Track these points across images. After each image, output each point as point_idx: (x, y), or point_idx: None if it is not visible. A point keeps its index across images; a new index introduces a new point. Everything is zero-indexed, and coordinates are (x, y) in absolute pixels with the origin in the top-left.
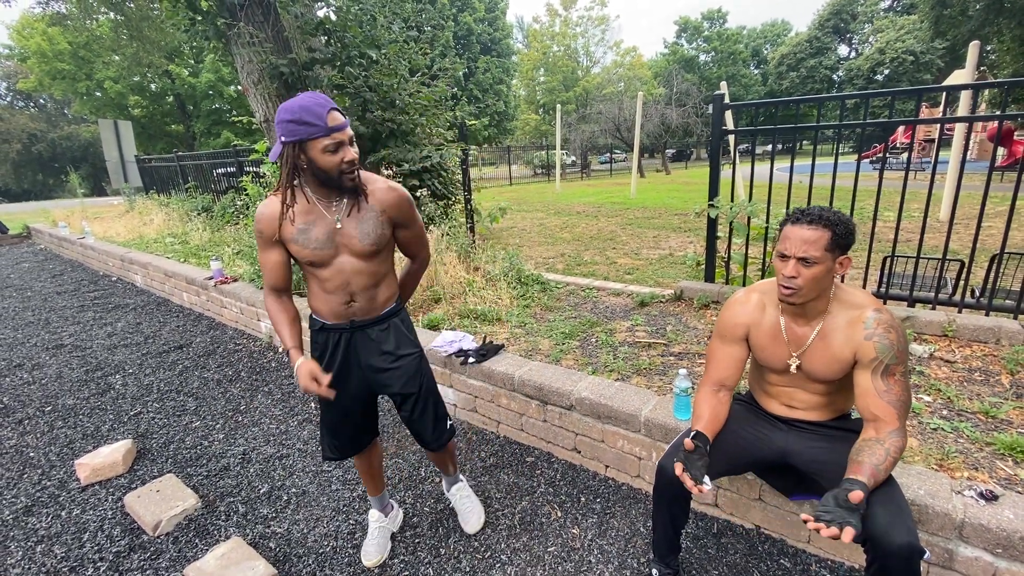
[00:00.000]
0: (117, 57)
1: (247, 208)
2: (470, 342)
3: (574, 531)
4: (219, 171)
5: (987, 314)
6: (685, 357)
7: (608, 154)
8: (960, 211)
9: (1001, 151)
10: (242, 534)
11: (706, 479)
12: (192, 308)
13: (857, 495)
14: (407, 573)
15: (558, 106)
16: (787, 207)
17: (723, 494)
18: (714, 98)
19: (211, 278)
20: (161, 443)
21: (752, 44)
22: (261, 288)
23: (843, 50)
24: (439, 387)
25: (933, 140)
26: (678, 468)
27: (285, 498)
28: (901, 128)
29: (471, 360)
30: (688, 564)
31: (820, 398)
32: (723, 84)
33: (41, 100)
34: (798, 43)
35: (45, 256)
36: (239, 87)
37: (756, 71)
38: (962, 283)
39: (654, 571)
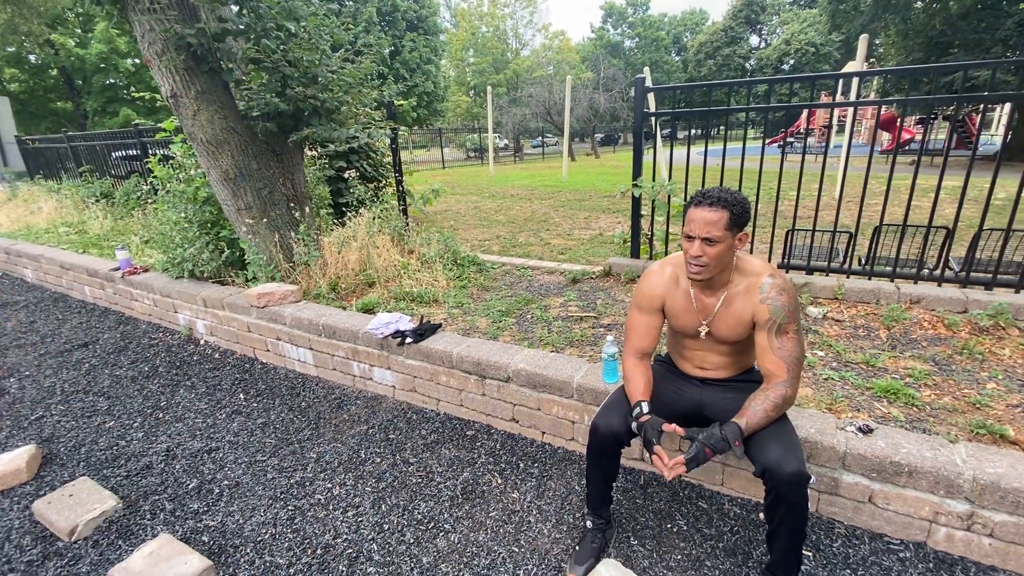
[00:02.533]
0: None
1: (155, 192)
2: (407, 323)
3: (514, 495)
4: (118, 154)
5: (869, 279)
6: (614, 328)
7: (540, 138)
8: (852, 189)
9: (887, 136)
10: (171, 531)
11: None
12: (96, 303)
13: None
14: (351, 550)
15: (488, 88)
16: (703, 186)
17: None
18: (636, 82)
19: (117, 269)
20: (71, 446)
21: (673, 31)
22: (176, 277)
23: (754, 40)
24: (376, 370)
25: (831, 126)
26: (656, 450)
27: (217, 491)
28: (804, 115)
29: (408, 340)
30: (618, 514)
31: (727, 358)
32: (646, 69)
33: None
34: (714, 32)
35: None
36: (138, 60)
37: (677, 58)
38: (850, 253)
39: (588, 523)
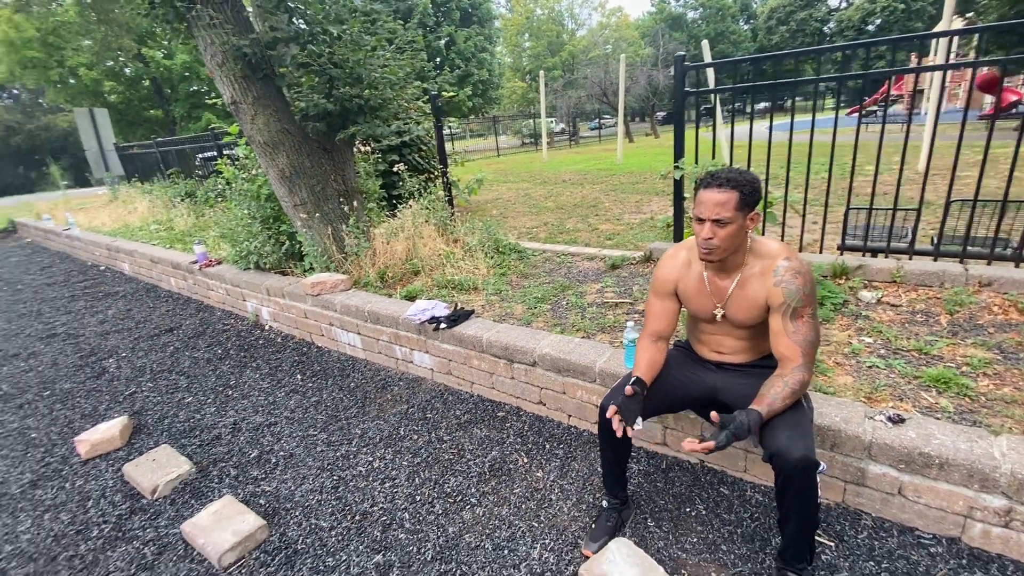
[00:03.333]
0: (87, 42)
1: (224, 192)
2: (442, 309)
3: (538, 474)
4: (202, 155)
5: (935, 259)
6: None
7: (597, 120)
8: (941, 161)
9: (990, 99)
10: (234, 494)
11: (639, 420)
12: (180, 292)
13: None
14: (386, 518)
15: (541, 73)
16: (767, 167)
17: (670, 433)
18: (676, 59)
19: (196, 262)
20: (156, 418)
21: None
22: (244, 269)
23: (833, 0)
24: (415, 353)
25: (921, 91)
26: (610, 411)
27: (273, 461)
28: (891, 80)
29: (442, 326)
30: (638, 496)
31: (744, 342)
32: (704, 43)
33: (14, 91)
34: None
35: (32, 249)
36: None
37: (746, 27)
38: (912, 232)
39: (604, 502)
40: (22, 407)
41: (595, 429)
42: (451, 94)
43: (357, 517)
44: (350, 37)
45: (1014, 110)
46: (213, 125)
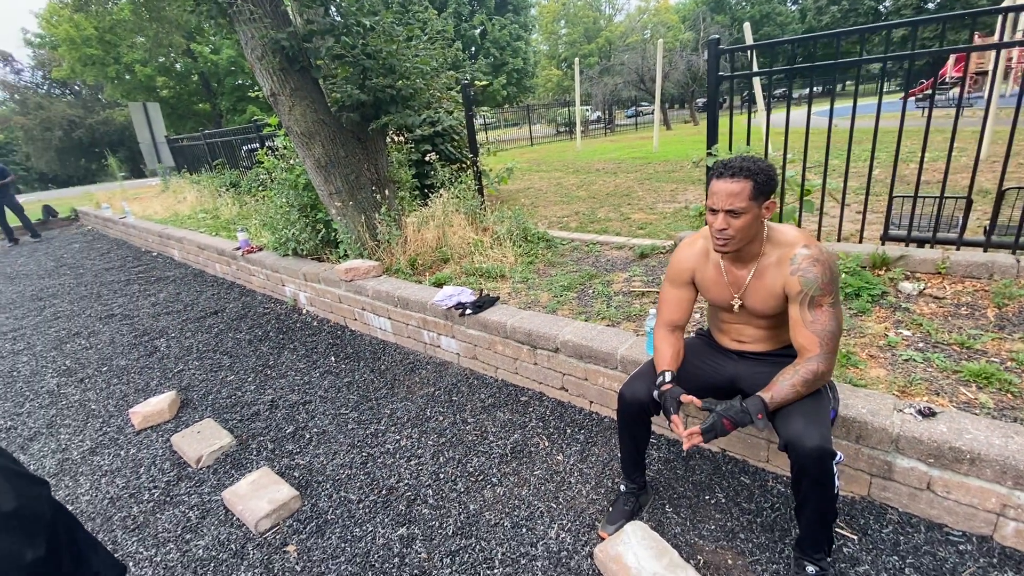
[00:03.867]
0: (141, 39)
1: (265, 181)
2: (468, 295)
3: (559, 458)
4: (247, 147)
5: (985, 250)
6: None
7: (634, 107)
8: (998, 148)
9: None
10: (270, 466)
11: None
12: (224, 277)
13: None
14: (410, 493)
15: (576, 60)
16: (804, 154)
17: (691, 423)
18: (709, 42)
19: (238, 248)
20: (201, 394)
21: None
22: (283, 255)
23: None
24: (443, 338)
25: (985, 72)
26: (676, 423)
27: (308, 437)
28: (951, 61)
29: (468, 312)
30: (658, 483)
31: (765, 332)
32: (746, 26)
33: (76, 87)
34: None
35: (93, 236)
36: None
37: (794, 7)
38: (963, 221)
39: (622, 487)
40: (83, 381)
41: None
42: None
43: (384, 492)
44: (383, 28)
45: None
46: (256, 117)
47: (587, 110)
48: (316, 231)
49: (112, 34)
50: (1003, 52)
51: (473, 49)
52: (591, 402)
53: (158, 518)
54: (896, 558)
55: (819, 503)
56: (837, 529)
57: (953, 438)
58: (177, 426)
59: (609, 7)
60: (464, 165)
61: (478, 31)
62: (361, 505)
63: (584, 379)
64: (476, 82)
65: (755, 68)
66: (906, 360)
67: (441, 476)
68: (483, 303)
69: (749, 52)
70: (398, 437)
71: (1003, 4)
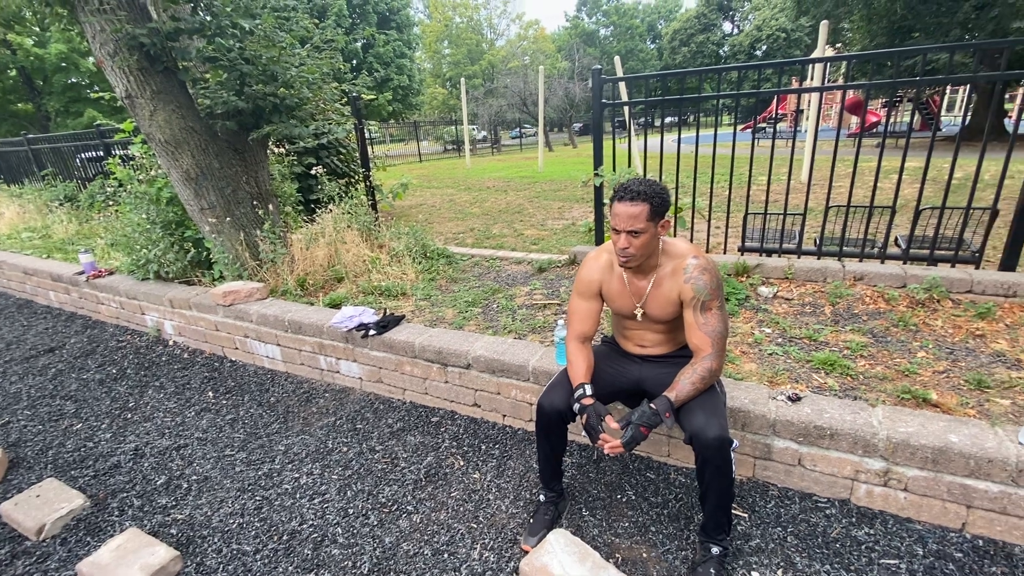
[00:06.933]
0: None
1: (116, 194)
2: (371, 316)
3: (475, 476)
4: (85, 155)
5: (818, 258)
6: None
7: (519, 129)
8: (819, 173)
9: (856, 119)
10: (139, 526)
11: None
12: (62, 307)
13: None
14: (316, 535)
15: (462, 80)
16: (676, 176)
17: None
18: (593, 72)
19: (82, 272)
20: (37, 450)
21: (647, 19)
22: (142, 279)
23: (727, 27)
24: (343, 363)
25: (802, 111)
26: (604, 440)
27: (185, 486)
28: (775, 100)
29: (372, 332)
30: (572, 488)
31: (664, 336)
32: (616, 59)
33: None
34: (688, 19)
35: None
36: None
37: (652, 46)
38: (799, 234)
39: (541, 496)
40: None
41: (530, 427)
42: (371, 96)
43: (285, 537)
44: (263, 33)
45: (874, 130)
46: (98, 122)
47: (474, 129)
48: (184, 251)
49: None
50: (815, 94)
51: (355, 62)
52: (504, 416)
53: None
54: (779, 529)
55: (720, 488)
56: (732, 510)
57: (816, 418)
58: (7, 491)
59: (491, 32)
60: (353, 180)
61: (360, 44)
62: (258, 556)
63: (497, 393)
64: (363, 95)
65: (625, 98)
66: (770, 354)
67: (350, 511)
68: (388, 322)
69: (623, 83)
70: (297, 475)
71: (812, 56)
